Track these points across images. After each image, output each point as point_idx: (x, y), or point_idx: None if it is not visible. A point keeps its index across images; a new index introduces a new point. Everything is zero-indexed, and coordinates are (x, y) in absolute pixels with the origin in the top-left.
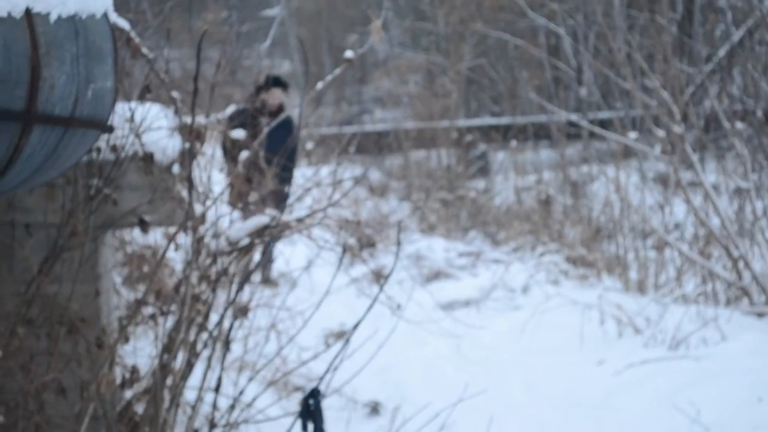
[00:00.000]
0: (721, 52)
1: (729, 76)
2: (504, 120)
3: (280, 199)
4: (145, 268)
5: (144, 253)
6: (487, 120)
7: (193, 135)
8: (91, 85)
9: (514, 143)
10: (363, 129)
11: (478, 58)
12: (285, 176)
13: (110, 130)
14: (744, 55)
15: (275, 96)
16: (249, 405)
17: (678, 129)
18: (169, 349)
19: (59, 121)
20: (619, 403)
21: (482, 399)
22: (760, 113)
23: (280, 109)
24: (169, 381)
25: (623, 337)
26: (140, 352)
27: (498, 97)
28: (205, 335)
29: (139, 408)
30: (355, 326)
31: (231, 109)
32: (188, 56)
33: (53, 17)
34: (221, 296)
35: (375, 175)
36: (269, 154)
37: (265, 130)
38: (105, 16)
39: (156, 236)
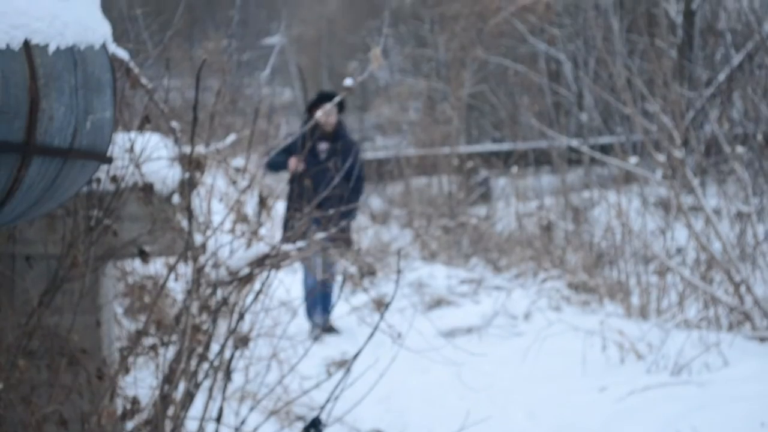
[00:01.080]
0: (721, 76)
1: (729, 100)
2: (505, 146)
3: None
4: (147, 299)
5: (145, 284)
6: (488, 146)
7: (192, 165)
8: (90, 116)
9: (515, 169)
10: (364, 156)
11: (479, 84)
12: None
13: (109, 160)
14: (744, 78)
15: (329, 113)
16: None
17: (679, 153)
18: (170, 379)
19: (58, 152)
20: (621, 430)
21: (484, 426)
22: (760, 137)
23: (337, 129)
24: (170, 411)
25: (625, 363)
26: (141, 383)
27: (499, 123)
28: (206, 365)
29: None
30: (356, 355)
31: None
32: (189, 85)
33: (52, 48)
34: (222, 326)
35: (376, 203)
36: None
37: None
38: (104, 47)
39: (157, 266)
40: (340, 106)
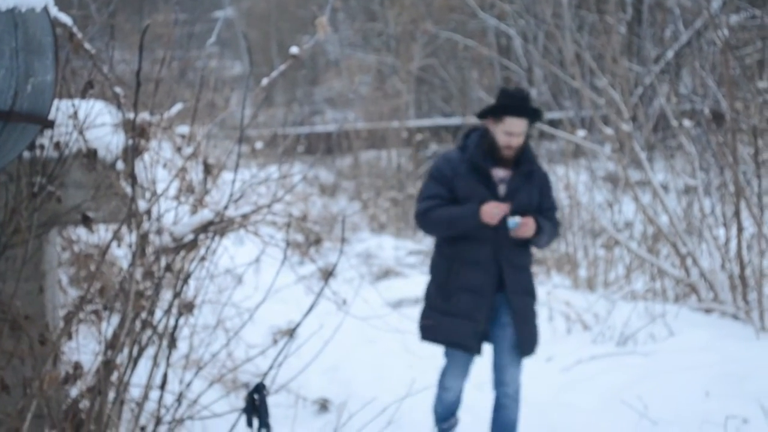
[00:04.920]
0: (670, 53)
1: (678, 76)
2: (454, 120)
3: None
4: (92, 267)
5: (91, 252)
6: (438, 120)
7: (136, 131)
8: (31, 79)
9: None
10: (314, 129)
11: (429, 58)
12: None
13: (51, 124)
14: (692, 55)
15: (514, 130)
16: (194, 401)
17: (627, 127)
18: (113, 345)
19: None
20: (567, 399)
21: (429, 394)
22: (707, 112)
23: (524, 153)
24: (113, 377)
25: (572, 333)
26: (84, 348)
27: (448, 97)
28: (150, 332)
29: (84, 405)
30: (300, 321)
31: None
32: (137, 57)
33: None
34: (168, 293)
35: (325, 175)
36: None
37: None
38: (45, 10)
39: (102, 234)
40: (535, 117)
